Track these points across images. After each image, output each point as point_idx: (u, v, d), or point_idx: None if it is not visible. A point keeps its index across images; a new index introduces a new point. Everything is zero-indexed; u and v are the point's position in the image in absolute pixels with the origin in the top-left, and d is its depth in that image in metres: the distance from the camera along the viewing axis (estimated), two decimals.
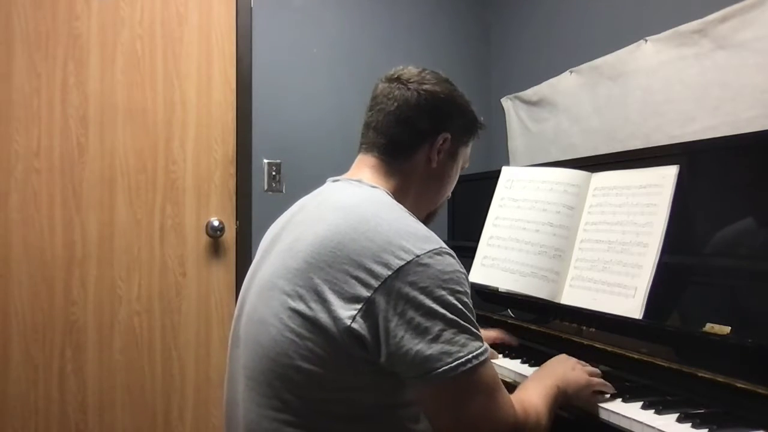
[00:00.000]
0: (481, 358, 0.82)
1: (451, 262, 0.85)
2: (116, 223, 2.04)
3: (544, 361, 1.13)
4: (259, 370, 0.89)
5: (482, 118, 1.13)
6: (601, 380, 1.06)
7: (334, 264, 0.84)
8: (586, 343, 1.26)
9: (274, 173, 2.26)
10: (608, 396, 1.04)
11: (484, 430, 0.84)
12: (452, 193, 2.08)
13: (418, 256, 0.82)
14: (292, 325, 0.85)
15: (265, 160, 2.25)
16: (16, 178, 1.93)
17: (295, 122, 2.24)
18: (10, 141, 1.92)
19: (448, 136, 1.03)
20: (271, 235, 1.03)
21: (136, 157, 2.06)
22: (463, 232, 2.05)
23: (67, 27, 1.98)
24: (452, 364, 0.80)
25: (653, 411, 0.95)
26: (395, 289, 0.81)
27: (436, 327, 0.80)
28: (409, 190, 1.02)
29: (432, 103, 1.01)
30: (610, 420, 0.98)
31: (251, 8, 2.22)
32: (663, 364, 1.08)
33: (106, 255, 2.02)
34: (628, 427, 0.94)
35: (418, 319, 0.80)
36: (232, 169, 2.20)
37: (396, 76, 1.04)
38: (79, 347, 1.99)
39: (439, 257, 0.83)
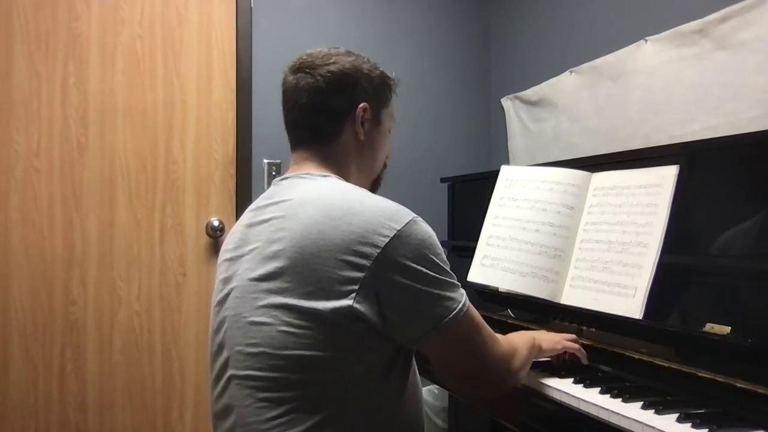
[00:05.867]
0: (468, 301, 0.94)
1: (425, 228, 0.92)
2: (116, 223, 2.04)
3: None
4: (254, 368, 0.90)
5: (392, 74, 1.14)
6: (574, 345, 1.21)
7: (320, 253, 0.87)
8: (586, 343, 1.25)
9: (274, 173, 2.26)
10: (609, 395, 1.04)
11: (491, 353, 0.97)
12: (452, 192, 2.11)
13: (399, 230, 0.88)
14: (288, 319, 0.88)
15: (265, 160, 2.25)
16: (16, 178, 1.93)
17: None
18: (10, 141, 1.92)
19: (366, 105, 1.05)
20: (233, 245, 1.03)
21: (136, 157, 2.06)
22: (463, 232, 2.05)
23: (67, 27, 1.98)
24: (455, 311, 0.90)
25: (653, 411, 0.95)
26: (387, 264, 0.87)
27: (432, 287, 0.90)
28: (349, 168, 1.06)
29: (340, 81, 1.03)
30: (610, 420, 0.97)
31: (251, 8, 2.22)
32: (663, 364, 1.08)
33: (106, 255, 2.02)
34: (628, 427, 0.94)
35: (415, 285, 0.88)
36: (232, 169, 2.20)
37: (299, 65, 1.05)
38: (79, 347, 1.99)
39: (416, 226, 0.91)
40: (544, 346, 1.15)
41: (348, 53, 1.07)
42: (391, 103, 1.13)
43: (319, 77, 1.02)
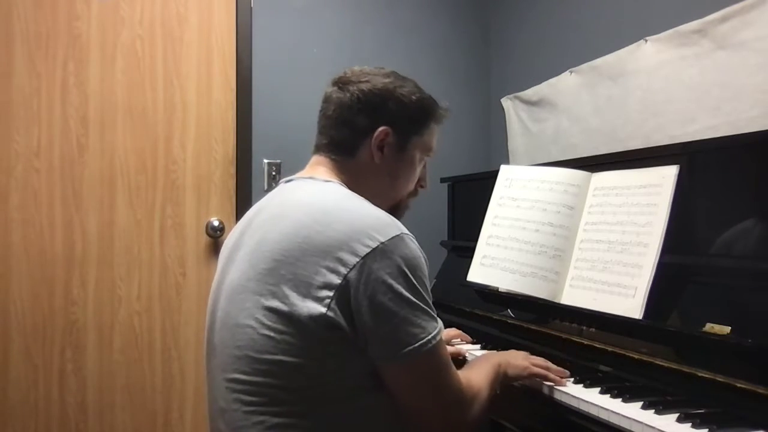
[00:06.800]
0: (439, 336, 0.89)
1: (412, 247, 0.89)
2: (116, 223, 2.04)
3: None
4: (240, 371, 0.90)
5: (445, 104, 1.11)
6: (541, 371, 1.13)
7: (302, 257, 0.87)
8: (586, 343, 1.26)
9: (274, 173, 2.26)
10: (609, 395, 1.04)
11: (448, 399, 0.93)
12: (452, 192, 2.11)
13: (383, 243, 0.86)
14: (269, 323, 0.87)
15: (265, 160, 2.25)
16: (16, 178, 1.93)
17: (295, 122, 2.24)
18: (10, 141, 1.92)
19: (388, 130, 1.03)
20: (232, 243, 1.03)
21: (136, 157, 2.06)
22: (463, 232, 2.05)
23: (67, 27, 1.98)
24: (419, 344, 0.86)
25: (653, 411, 0.95)
26: (364, 274, 0.85)
27: (403, 310, 0.86)
28: (360, 185, 1.03)
29: (366, 101, 1.02)
30: (610, 420, 0.97)
31: (251, 8, 2.22)
32: (663, 364, 1.08)
33: (106, 255, 2.02)
34: (628, 427, 0.94)
35: (387, 303, 0.85)
36: (232, 169, 2.20)
37: (338, 78, 1.06)
38: (79, 347, 1.99)
39: (402, 243, 0.88)
40: (510, 372, 1.11)
41: (388, 74, 1.06)
42: (428, 131, 1.10)
43: (348, 93, 1.02)
